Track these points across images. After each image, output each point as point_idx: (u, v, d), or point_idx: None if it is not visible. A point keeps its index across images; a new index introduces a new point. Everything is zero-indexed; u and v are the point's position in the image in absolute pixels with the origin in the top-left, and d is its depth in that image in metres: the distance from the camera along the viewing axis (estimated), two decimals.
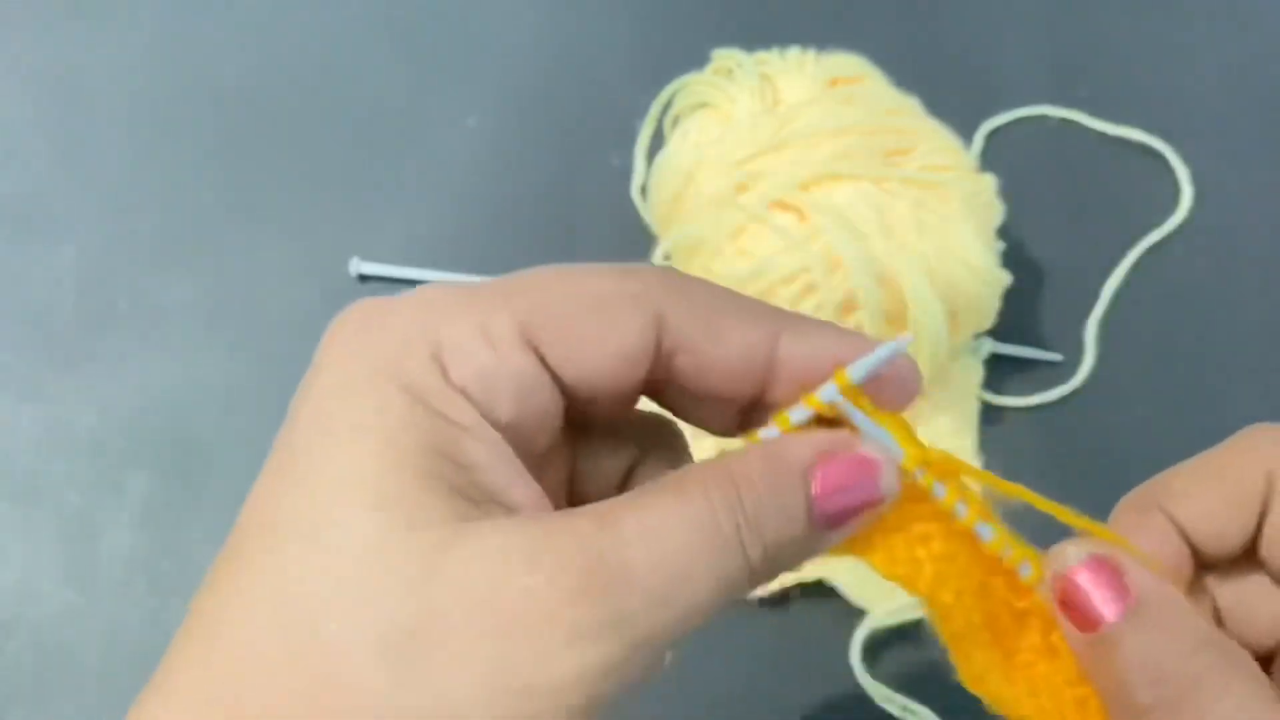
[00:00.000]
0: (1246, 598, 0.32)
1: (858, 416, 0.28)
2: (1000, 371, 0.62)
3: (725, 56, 0.61)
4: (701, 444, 0.31)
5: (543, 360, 0.27)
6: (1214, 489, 0.31)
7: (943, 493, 0.28)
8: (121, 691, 0.55)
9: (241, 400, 0.62)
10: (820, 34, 0.62)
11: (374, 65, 0.71)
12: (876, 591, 0.54)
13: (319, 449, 0.25)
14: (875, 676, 0.54)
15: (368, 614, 0.23)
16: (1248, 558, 0.31)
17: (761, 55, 0.60)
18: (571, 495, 0.31)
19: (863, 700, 0.54)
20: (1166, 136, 0.68)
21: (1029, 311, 0.63)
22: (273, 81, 0.71)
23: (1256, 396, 0.61)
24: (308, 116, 0.70)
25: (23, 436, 0.61)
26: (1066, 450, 0.60)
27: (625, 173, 0.67)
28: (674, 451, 0.32)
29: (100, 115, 0.70)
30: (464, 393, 0.26)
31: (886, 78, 0.60)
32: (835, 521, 0.27)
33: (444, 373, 0.26)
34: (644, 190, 0.65)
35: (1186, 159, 0.67)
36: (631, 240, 0.64)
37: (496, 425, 0.26)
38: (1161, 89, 0.70)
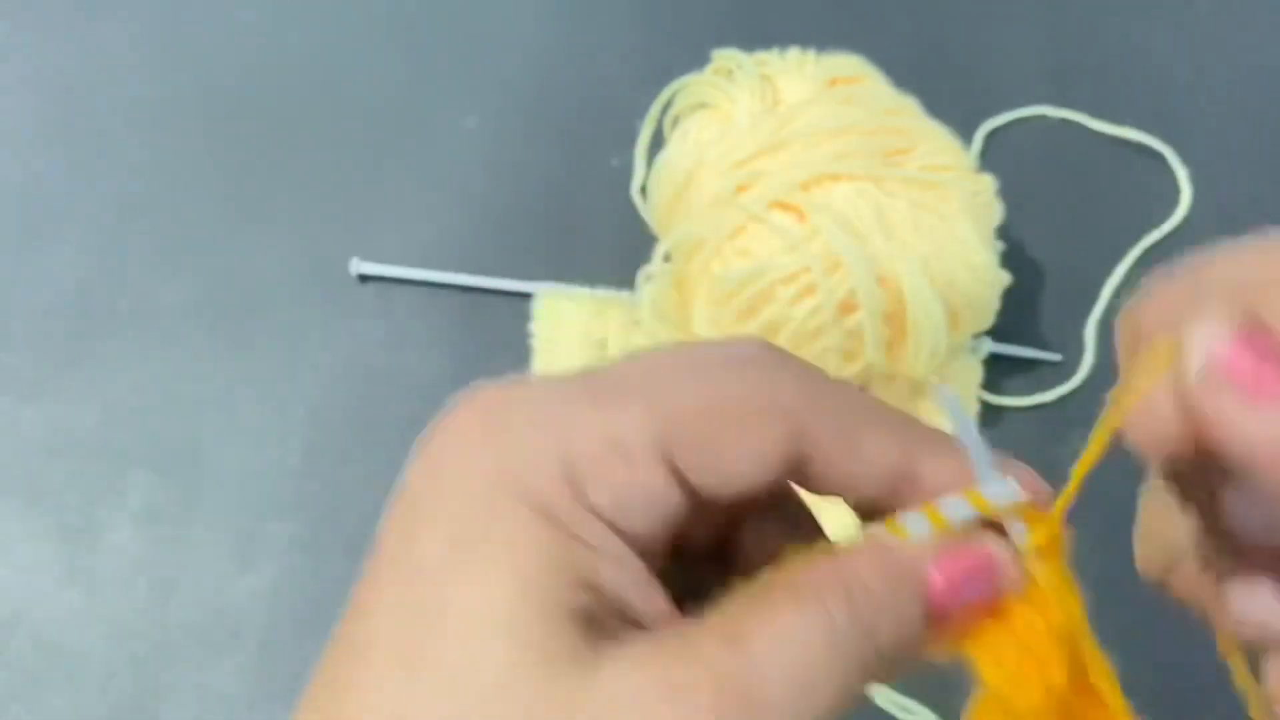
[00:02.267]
0: None
1: (1014, 527, 0.28)
2: (1000, 371, 0.62)
3: (725, 57, 0.61)
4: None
5: (675, 470, 0.26)
6: None
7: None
8: (121, 691, 0.55)
9: (241, 400, 0.62)
10: (820, 34, 0.62)
11: (374, 65, 0.71)
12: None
13: (443, 573, 0.24)
14: None
15: None
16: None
17: (761, 55, 0.60)
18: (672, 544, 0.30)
19: (862, 700, 0.54)
20: (1166, 136, 0.68)
21: (1029, 311, 0.63)
22: (273, 81, 0.71)
23: None
24: (307, 116, 0.70)
25: (23, 436, 0.61)
26: (1066, 450, 0.60)
27: (625, 173, 0.67)
28: (789, 507, 0.31)
29: (100, 115, 0.70)
30: (597, 513, 0.25)
31: (886, 78, 0.60)
32: (953, 620, 0.26)
33: (577, 491, 0.25)
34: (644, 190, 0.65)
35: (1186, 159, 0.67)
36: (631, 240, 0.64)
37: (627, 541, 0.26)
38: (1161, 89, 0.70)
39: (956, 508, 0.27)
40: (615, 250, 0.64)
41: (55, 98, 0.70)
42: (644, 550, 0.26)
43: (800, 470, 0.27)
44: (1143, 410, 0.27)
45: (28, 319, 0.64)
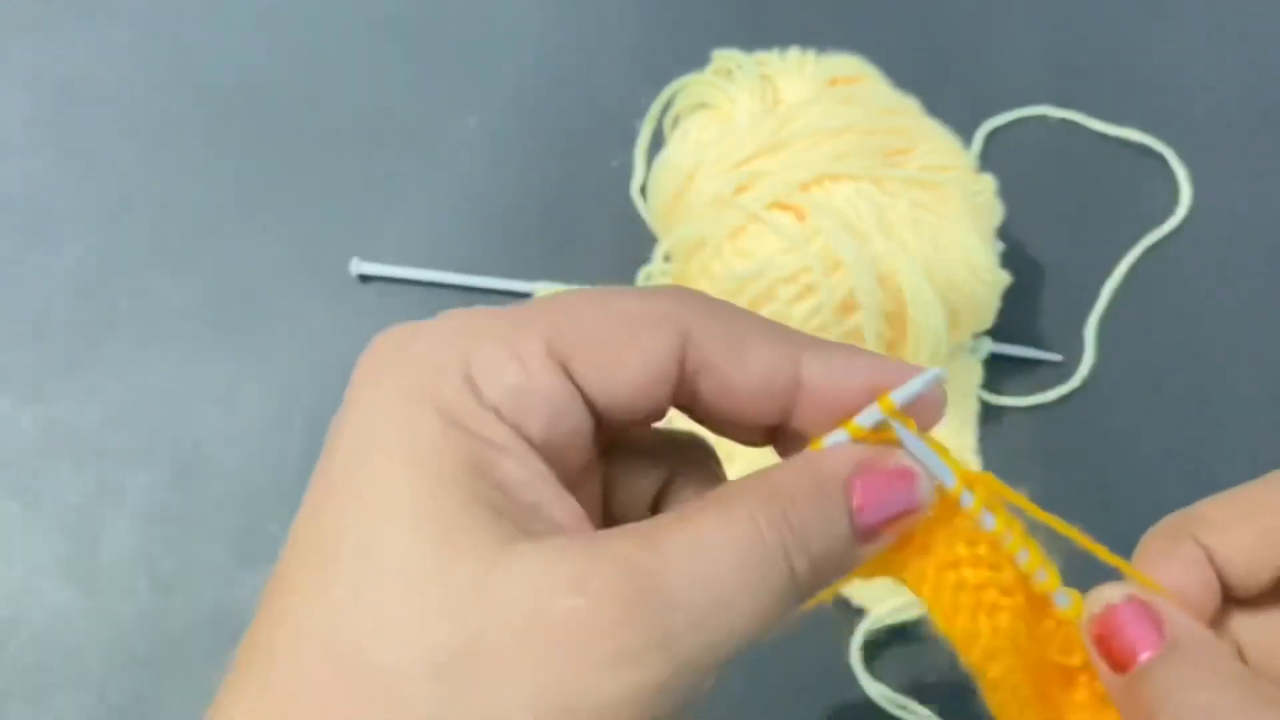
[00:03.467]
0: (1270, 634, 0.31)
1: (908, 438, 0.28)
2: (1000, 371, 0.62)
3: (725, 57, 0.61)
4: (731, 467, 0.31)
5: (571, 379, 0.27)
6: (1249, 522, 0.31)
7: (991, 521, 0.28)
8: (121, 691, 0.55)
9: (241, 400, 0.62)
10: (820, 34, 0.62)
11: (374, 65, 0.71)
12: (876, 591, 0.54)
13: (359, 475, 0.26)
14: (875, 676, 0.54)
15: (415, 638, 0.24)
16: (1274, 593, 0.31)
17: (761, 55, 0.60)
18: (606, 515, 0.31)
19: (863, 700, 0.54)
20: (1166, 136, 0.68)
21: (1029, 311, 0.63)
22: (273, 81, 0.71)
23: (1256, 396, 0.61)
24: (308, 116, 0.70)
25: (23, 436, 0.61)
26: (1066, 450, 0.60)
27: (625, 173, 0.67)
28: (706, 469, 0.32)
29: (100, 116, 0.70)
30: (497, 413, 0.26)
31: (886, 78, 0.60)
32: (876, 532, 0.27)
33: (476, 393, 0.26)
34: (644, 190, 0.65)
35: (1186, 159, 0.67)
36: (631, 240, 0.64)
37: (530, 444, 0.27)
38: (1161, 89, 0.70)
39: (868, 416, 0.28)
40: (615, 250, 0.64)
41: (55, 98, 0.70)
42: (555, 462, 0.27)
43: (692, 388, 0.28)
44: None
45: (28, 319, 0.64)
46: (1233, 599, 0.31)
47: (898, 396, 0.28)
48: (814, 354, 0.28)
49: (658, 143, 0.63)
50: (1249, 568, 0.30)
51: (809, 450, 0.28)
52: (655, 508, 0.31)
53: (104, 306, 0.64)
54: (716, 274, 0.55)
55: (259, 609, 0.26)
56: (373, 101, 0.70)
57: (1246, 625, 0.32)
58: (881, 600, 0.54)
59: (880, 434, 0.28)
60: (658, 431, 0.31)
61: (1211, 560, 0.30)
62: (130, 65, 0.71)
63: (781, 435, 0.30)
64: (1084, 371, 0.62)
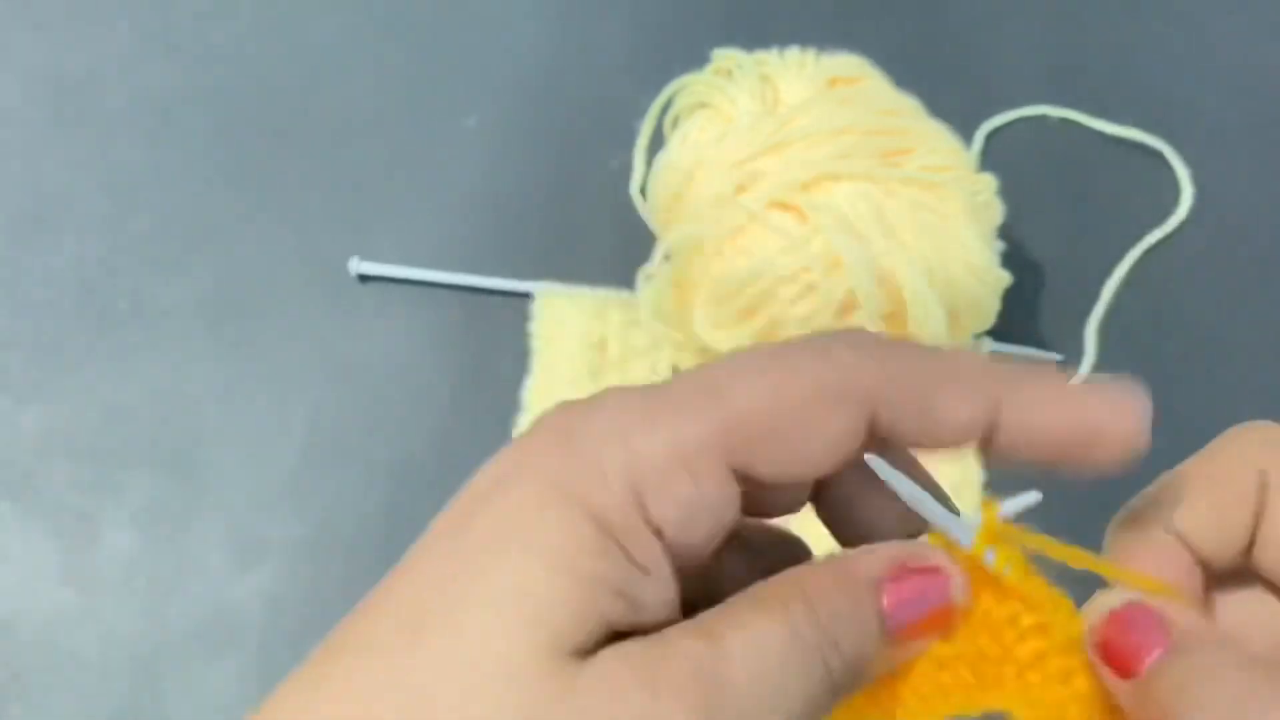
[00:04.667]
0: (1245, 610, 0.31)
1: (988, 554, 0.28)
2: None
3: (725, 57, 0.61)
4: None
5: (742, 476, 0.26)
6: (1207, 495, 0.30)
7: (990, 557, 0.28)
8: (121, 691, 0.55)
9: (241, 400, 0.62)
10: (820, 34, 0.62)
11: (374, 65, 0.71)
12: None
13: (490, 555, 0.25)
14: None
15: None
16: (1244, 570, 0.31)
17: (761, 55, 0.60)
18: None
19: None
20: (1166, 136, 0.68)
21: (1029, 311, 0.63)
22: (273, 81, 0.71)
23: (1257, 396, 0.61)
24: (307, 117, 0.70)
25: (23, 436, 0.61)
26: None
27: (625, 173, 0.67)
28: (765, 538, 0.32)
29: (100, 115, 0.70)
30: (658, 531, 0.26)
31: (886, 78, 0.60)
32: (908, 632, 0.27)
33: (641, 509, 0.25)
34: (644, 190, 0.65)
35: (1186, 159, 0.67)
36: (631, 240, 0.64)
37: (678, 553, 0.26)
38: (1161, 89, 0.70)
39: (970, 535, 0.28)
40: (615, 250, 0.64)
41: (55, 96, 0.70)
42: (690, 558, 0.27)
43: (878, 440, 0.27)
44: None
45: (28, 319, 0.64)
46: (1213, 578, 0.31)
47: (1009, 509, 0.28)
48: (1015, 400, 0.27)
49: (658, 143, 0.63)
50: (1216, 541, 0.30)
51: (842, 552, 0.28)
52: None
53: (104, 306, 0.64)
54: (717, 274, 0.55)
55: (337, 637, 0.26)
56: (373, 101, 0.70)
57: (1223, 605, 0.31)
58: None
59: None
60: (769, 530, 0.31)
61: (1185, 544, 0.30)
62: (131, 64, 0.71)
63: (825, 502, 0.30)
64: (1084, 371, 0.62)
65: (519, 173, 0.68)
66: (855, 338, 0.27)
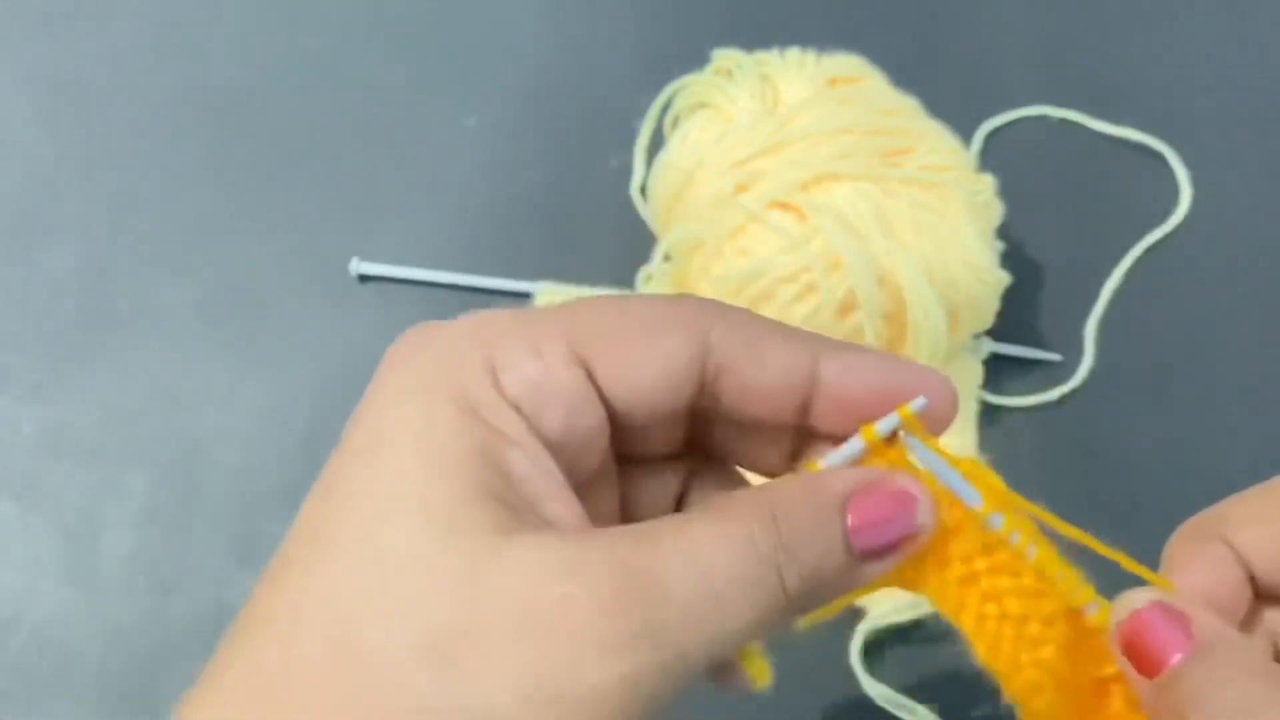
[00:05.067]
0: None
1: (923, 453, 0.28)
2: (1000, 371, 0.62)
3: (725, 57, 0.61)
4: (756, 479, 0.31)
5: (591, 378, 0.28)
6: (1275, 519, 0.31)
7: (1016, 538, 0.28)
8: (121, 691, 0.55)
9: (241, 400, 0.62)
10: (820, 34, 0.62)
11: (374, 65, 0.71)
12: (876, 591, 0.54)
13: (368, 459, 0.26)
14: (875, 676, 0.54)
15: (409, 619, 0.24)
16: None
17: (761, 55, 0.60)
18: (625, 520, 0.31)
19: (863, 700, 0.54)
20: (1166, 136, 0.68)
21: (1028, 311, 0.63)
22: (272, 81, 0.71)
23: (1257, 396, 0.61)
24: (307, 117, 0.70)
25: (23, 436, 0.61)
26: (1066, 450, 0.60)
27: (625, 173, 0.67)
28: (724, 469, 0.32)
29: (100, 115, 0.70)
30: (516, 406, 0.27)
31: (886, 78, 0.60)
32: (873, 555, 0.27)
33: (497, 385, 0.27)
34: (644, 190, 0.65)
35: (1186, 159, 0.67)
36: (631, 240, 0.64)
37: (545, 439, 0.27)
38: (1161, 89, 0.70)
39: (887, 423, 0.28)
40: (615, 250, 0.64)
41: (55, 97, 0.70)
42: (569, 460, 0.28)
43: (712, 391, 0.29)
44: None
45: (28, 319, 0.64)
46: (1263, 596, 0.31)
47: (915, 405, 0.28)
48: (831, 354, 0.29)
49: (658, 143, 0.63)
50: (1274, 561, 0.30)
51: (809, 468, 0.28)
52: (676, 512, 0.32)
53: (104, 307, 0.64)
54: (716, 274, 0.55)
55: (259, 582, 0.27)
56: (373, 102, 0.70)
57: (1272, 621, 0.32)
58: (881, 600, 0.54)
59: (891, 448, 0.28)
60: (676, 435, 0.32)
61: (1240, 559, 0.30)
62: (130, 65, 0.71)
63: (800, 459, 0.31)
64: (1084, 371, 0.62)
65: (519, 173, 0.68)
66: (698, 297, 0.30)
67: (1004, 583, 0.28)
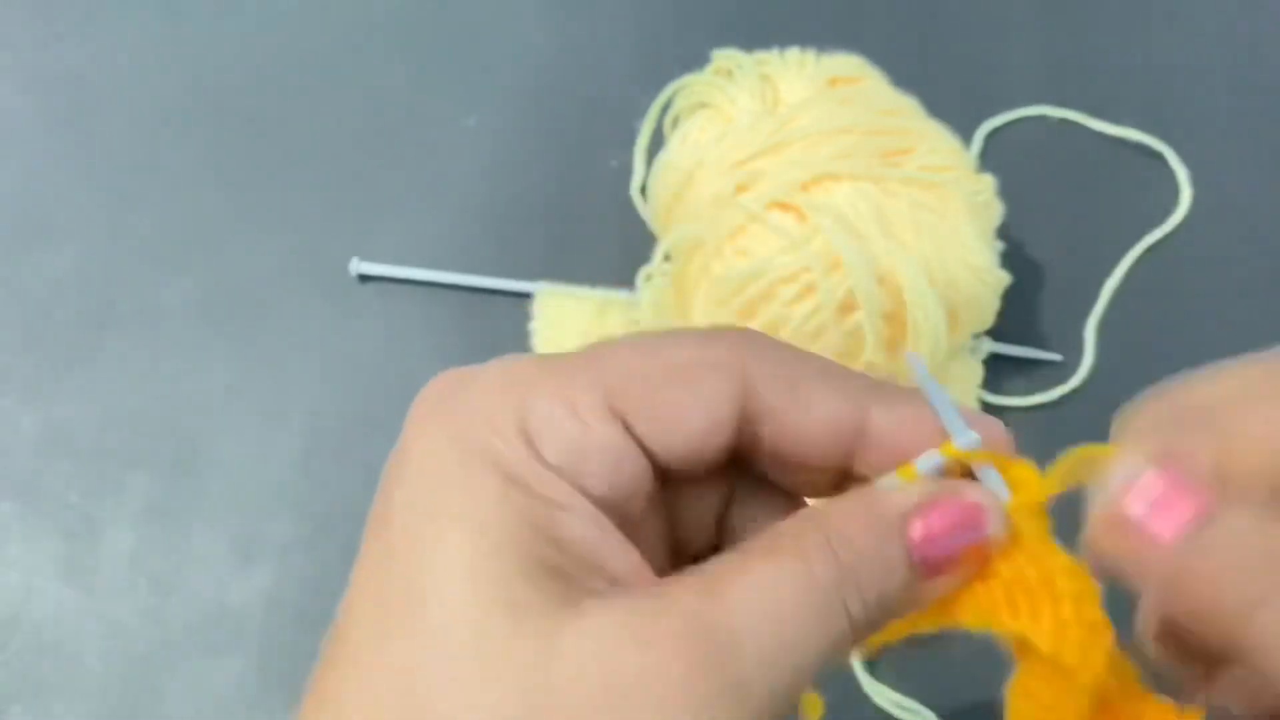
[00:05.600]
0: None
1: (987, 473, 0.27)
2: (1000, 371, 0.62)
3: (725, 57, 0.61)
4: None
5: (629, 430, 0.27)
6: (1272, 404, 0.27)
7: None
8: (121, 691, 0.55)
9: (241, 400, 0.62)
10: (820, 34, 0.62)
11: (374, 65, 0.71)
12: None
13: (416, 539, 0.25)
14: (875, 676, 0.54)
15: (483, 706, 0.23)
16: None
17: (761, 55, 0.60)
18: (671, 542, 0.31)
19: (863, 700, 0.54)
20: (1166, 136, 0.68)
21: (1028, 311, 0.63)
22: (272, 82, 0.71)
23: None
24: (308, 117, 0.70)
25: (23, 436, 0.61)
26: (1066, 450, 0.60)
27: (625, 173, 0.67)
28: (767, 482, 0.31)
29: (100, 115, 0.70)
30: (557, 470, 0.26)
31: (886, 78, 0.60)
32: (938, 568, 0.26)
33: (534, 450, 0.26)
34: (644, 190, 0.65)
35: (1186, 159, 0.67)
36: (631, 240, 0.64)
37: (591, 497, 0.26)
38: (1161, 89, 0.70)
39: (929, 460, 0.27)
40: (615, 250, 0.64)
41: (55, 97, 0.70)
42: (616, 513, 0.26)
43: (753, 434, 0.28)
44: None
45: (28, 319, 0.64)
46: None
47: (961, 443, 0.27)
48: (883, 406, 0.28)
49: (658, 143, 0.63)
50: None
51: (869, 487, 0.27)
52: (721, 529, 0.31)
53: (103, 306, 0.64)
54: (716, 274, 0.55)
55: (322, 662, 0.26)
56: (373, 101, 0.70)
57: None
58: None
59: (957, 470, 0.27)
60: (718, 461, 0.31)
61: (1257, 462, 0.27)
62: (130, 65, 0.71)
63: (847, 486, 0.29)
64: (1084, 371, 0.62)
65: (519, 172, 0.68)
66: (738, 330, 0.28)
67: (1064, 587, 0.27)
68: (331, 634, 0.26)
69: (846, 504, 0.26)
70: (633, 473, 0.27)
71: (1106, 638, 0.27)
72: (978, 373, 0.61)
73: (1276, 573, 0.24)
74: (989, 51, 0.71)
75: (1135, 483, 0.26)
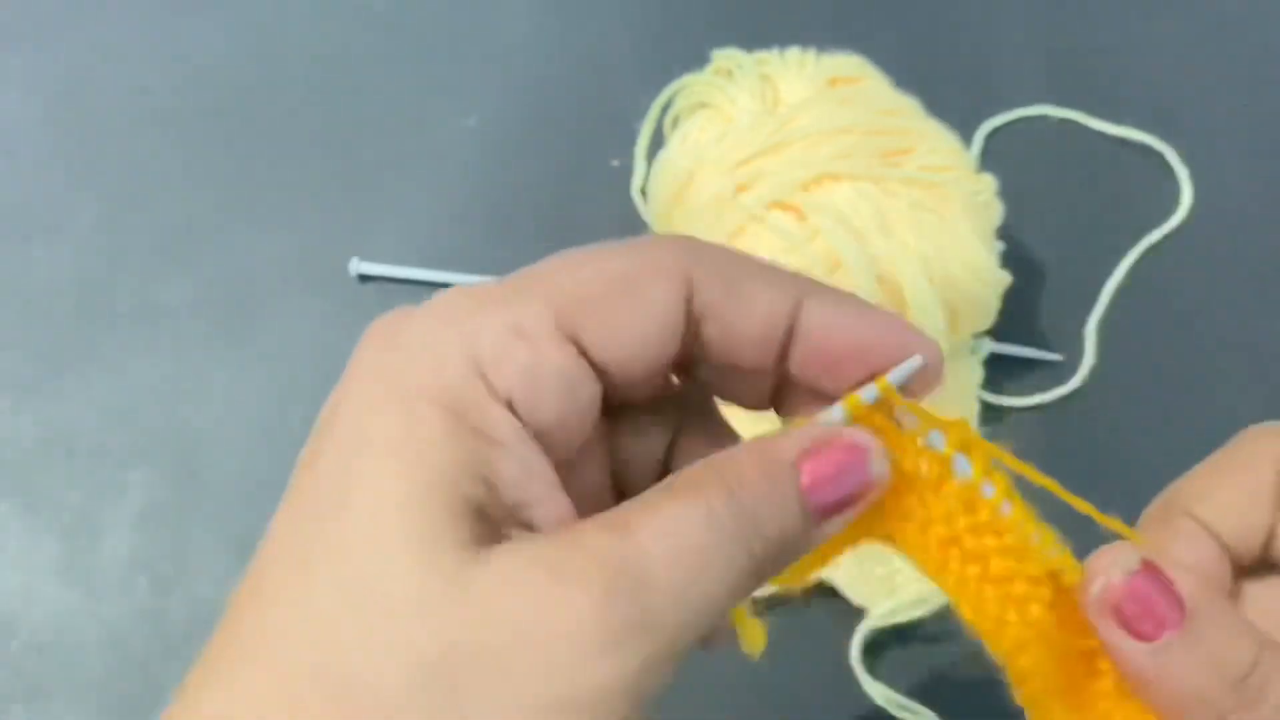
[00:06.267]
0: (1270, 601, 0.32)
1: (910, 420, 0.28)
2: (1000, 371, 0.62)
3: (725, 57, 0.61)
4: (734, 413, 0.32)
5: (581, 350, 0.27)
6: (1231, 485, 0.31)
7: (990, 491, 0.28)
8: (121, 691, 0.55)
9: (241, 400, 0.62)
10: (820, 34, 0.62)
11: (374, 65, 0.71)
12: (876, 591, 0.54)
13: (347, 473, 0.25)
14: (875, 676, 0.54)
15: (399, 646, 0.23)
16: (1263, 566, 0.31)
17: (761, 55, 0.60)
18: (615, 479, 0.31)
19: (863, 700, 0.54)
20: (1166, 136, 0.68)
21: (1029, 311, 0.63)
22: (272, 81, 0.71)
23: (1256, 396, 0.61)
24: (308, 116, 0.70)
25: (23, 436, 0.61)
26: (1066, 450, 0.60)
27: (625, 173, 0.67)
28: (712, 419, 0.32)
29: (100, 115, 0.70)
30: (507, 402, 0.26)
31: (886, 78, 0.60)
32: (830, 511, 0.27)
33: (483, 381, 0.26)
34: (644, 190, 0.65)
35: (1186, 159, 0.67)
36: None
37: (539, 428, 0.26)
38: (1161, 89, 0.70)
39: (869, 393, 0.28)
40: None
41: (55, 97, 0.70)
42: (561, 442, 0.27)
43: (695, 337, 0.28)
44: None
45: (27, 319, 0.64)
46: (1238, 569, 0.31)
47: (895, 376, 0.28)
48: (815, 301, 0.28)
49: (658, 143, 0.63)
50: (1242, 529, 0.31)
51: (763, 436, 0.28)
52: (666, 466, 0.31)
53: (103, 306, 0.64)
54: None
55: (234, 602, 0.26)
56: (373, 101, 0.70)
57: (1250, 595, 0.32)
58: (881, 600, 0.54)
59: (877, 411, 0.28)
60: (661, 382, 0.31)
61: (1209, 530, 0.31)
62: (130, 65, 0.71)
63: (783, 398, 0.30)
64: (1084, 371, 0.62)
65: (519, 173, 0.68)
66: (673, 236, 0.29)
67: (989, 542, 0.28)
68: (247, 572, 0.26)
69: (744, 450, 0.27)
70: (584, 396, 0.27)
71: (1024, 633, 0.28)
72: (978, 373, 0.61)
73: (1238, 693, 0.27)
74: (989, 51, 0.71)
75: (1126, 579, 0.28)
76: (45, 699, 0.55)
